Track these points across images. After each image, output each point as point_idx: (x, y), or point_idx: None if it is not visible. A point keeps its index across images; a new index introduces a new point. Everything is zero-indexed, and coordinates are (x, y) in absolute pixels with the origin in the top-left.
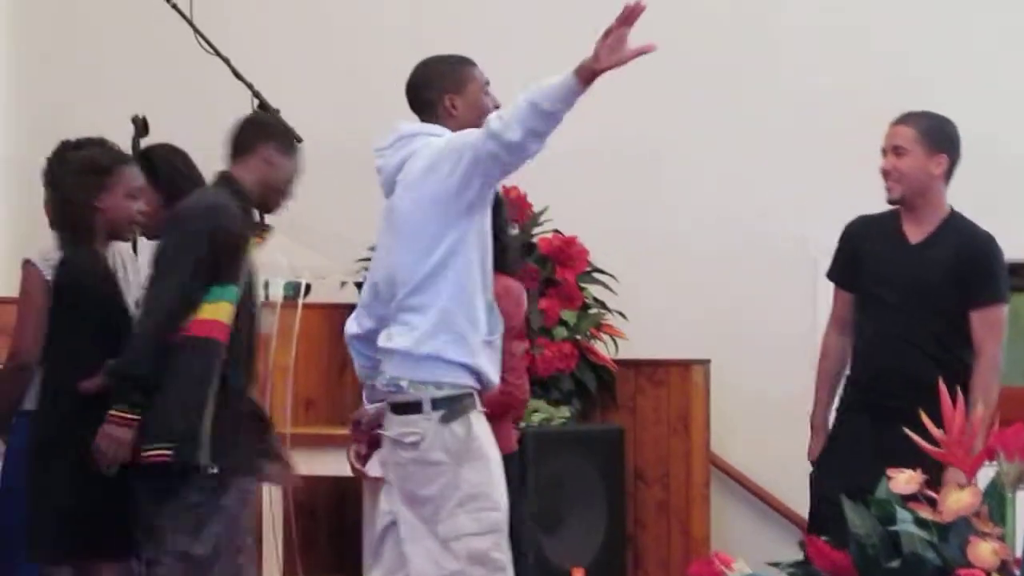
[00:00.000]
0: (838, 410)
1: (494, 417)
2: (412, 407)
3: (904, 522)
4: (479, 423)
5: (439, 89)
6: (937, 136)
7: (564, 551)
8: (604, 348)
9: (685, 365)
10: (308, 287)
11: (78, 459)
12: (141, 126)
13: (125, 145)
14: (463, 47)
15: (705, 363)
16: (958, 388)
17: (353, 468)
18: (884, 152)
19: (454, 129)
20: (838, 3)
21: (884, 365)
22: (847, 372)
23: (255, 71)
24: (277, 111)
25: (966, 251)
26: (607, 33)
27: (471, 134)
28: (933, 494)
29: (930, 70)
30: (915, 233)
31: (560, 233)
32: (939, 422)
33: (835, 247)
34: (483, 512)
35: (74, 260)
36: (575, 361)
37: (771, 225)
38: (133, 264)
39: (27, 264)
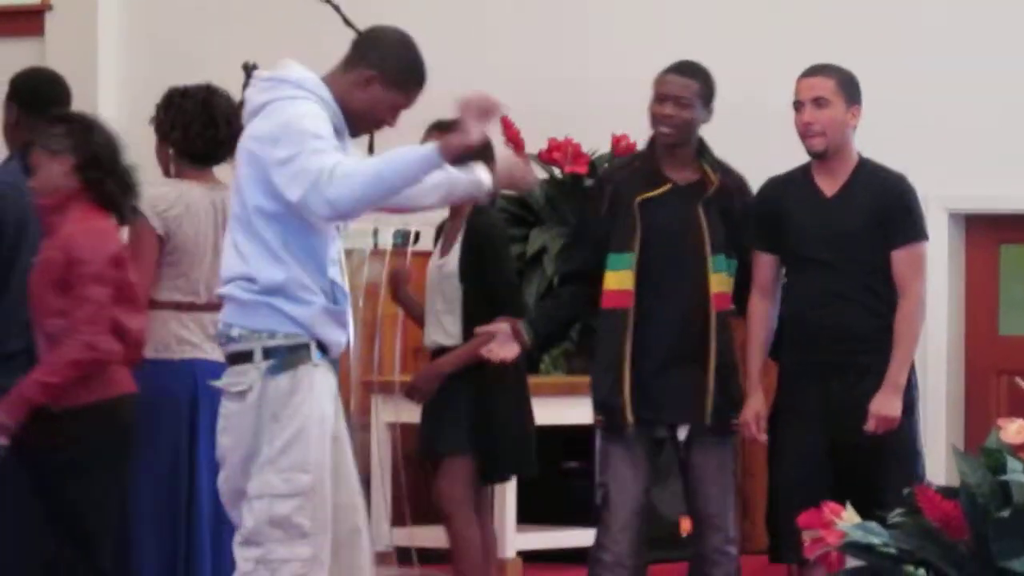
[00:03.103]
0: (780, 376)
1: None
2: (244, 356)
3: (1015, 472)
4: (307, 379)
5: (374, 61)
6: (852, 87)
7: (673, 501)
8: None
9: None
10: (417, 235)
11: None
12: (252, 72)
13: (236, 92)
14: None
15: None
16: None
17: None
18: (799, 105)
19: (348, 98)
20: None
21: (822, 323)
22: (786, 334)
23: (365, 18)
24: None
25: (883, 194)
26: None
27: (315, 159)
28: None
29: None
30: (829, 186)
31: None
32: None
33: (753, 212)
34: (291, 472)
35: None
36: None
37: None
38: None
39: (134, 212)
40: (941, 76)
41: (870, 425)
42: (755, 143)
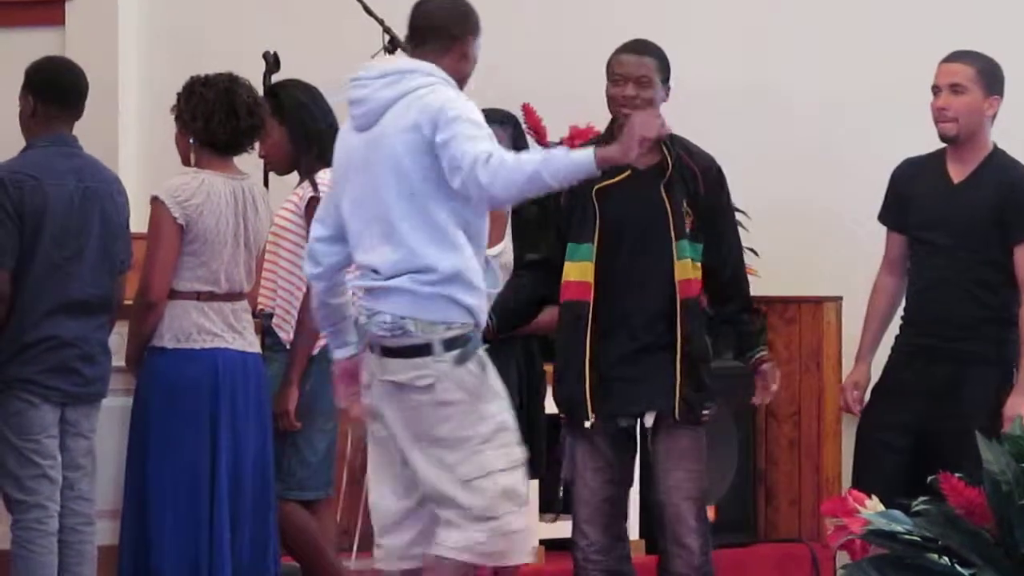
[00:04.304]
0: (892, 349)
1: None
2: (422, 350)
3: None
4: (488, 359)
5: (466, 29)
6: (993, 78)
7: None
8: None
9: (817, 302)
10: None
11: None
12: (272, 62)
13: (256, 80)
14: None
15: (837, 300)
16: (1001, 328)
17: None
18: (936, 90)
19: (456, 73)
20: None
21: (934, 309)
22: (902, 314)
23: (386, 7)
24: (408, 48)
25: (1006, 187)
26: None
27: (468, 145)
28: None
29: None
30: (958, 173)
31: None
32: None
33: (887, 190)
34: (508, 447)
35: None
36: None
37: None
38: (264, 200)
39: (155, 201)
40: None
41: (1004, 428)
42: (767, 130)
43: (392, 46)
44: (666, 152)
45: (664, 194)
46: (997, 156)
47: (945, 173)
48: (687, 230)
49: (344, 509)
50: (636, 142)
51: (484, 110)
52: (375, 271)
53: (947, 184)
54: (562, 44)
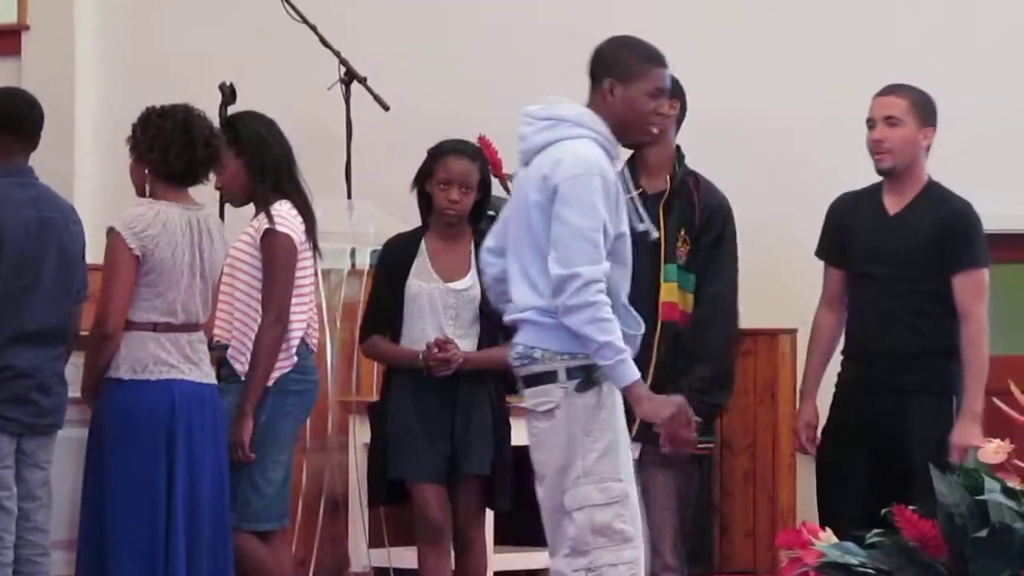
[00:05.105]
0: (836, 386)
1: None
2: (547, 377)
3: (992, 492)
4: (611, 394)
5: (605, 70)
6: (926, 109)
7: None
8: None
9: (772, 335)
10: None
11: None
12: (229, 93)
13: (213, 112)
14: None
15: (792, 332)
16: (940, 357)
17: None
18: (871, 123)
19: (607, 115)
20: None
21: (875, 342)
22: (842, 348)
23: (342, 39)
24: (364, 79)
25: (944, 218)
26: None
27: (576, 246)
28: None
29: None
30: (894, 204)
31: None
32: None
33: (824, 225)
34: (607, 483)
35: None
36: None
37: None
38: (219, 231)
39: (111, 232)
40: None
41: (953, 456)
42: (721, 162)
43: (348, 77)
44: (670, 178)
45: (662, 217)
46: (934, 188)
47: (881, 206)
48: (678, 256)
49: (300, 540)
50: (666, 420)
51: (454, 142)
52: (512, 304)
53: (884, 216)
54: (519, 77)
